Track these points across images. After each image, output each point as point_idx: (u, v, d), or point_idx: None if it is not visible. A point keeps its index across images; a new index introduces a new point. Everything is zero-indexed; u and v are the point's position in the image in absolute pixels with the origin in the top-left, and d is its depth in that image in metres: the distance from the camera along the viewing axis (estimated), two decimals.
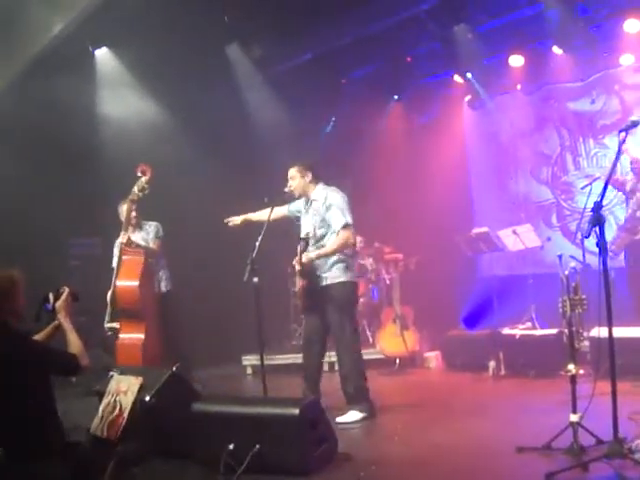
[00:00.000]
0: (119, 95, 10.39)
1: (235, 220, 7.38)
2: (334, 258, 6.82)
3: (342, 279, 6.83)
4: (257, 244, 6.46)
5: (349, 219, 6.77)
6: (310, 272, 6.83)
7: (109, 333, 7.89)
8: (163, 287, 8.54)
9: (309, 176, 7.01)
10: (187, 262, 9.63)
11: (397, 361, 9.74)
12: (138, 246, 8.14)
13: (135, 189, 7.98)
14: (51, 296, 4.73)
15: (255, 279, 6.36)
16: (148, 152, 9.70)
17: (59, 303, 4.69)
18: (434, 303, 10.68)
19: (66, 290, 4.75)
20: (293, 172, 7.05)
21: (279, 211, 7.15)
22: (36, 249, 9.40)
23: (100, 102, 10.44)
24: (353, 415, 6.70)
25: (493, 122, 12.19)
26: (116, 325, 7.86)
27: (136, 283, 7.79)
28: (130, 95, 10.42)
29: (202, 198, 10.49)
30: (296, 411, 5.06)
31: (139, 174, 8.00)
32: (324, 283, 6.85)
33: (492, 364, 8.42)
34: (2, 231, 9.20)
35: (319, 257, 6.77)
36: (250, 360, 10.46)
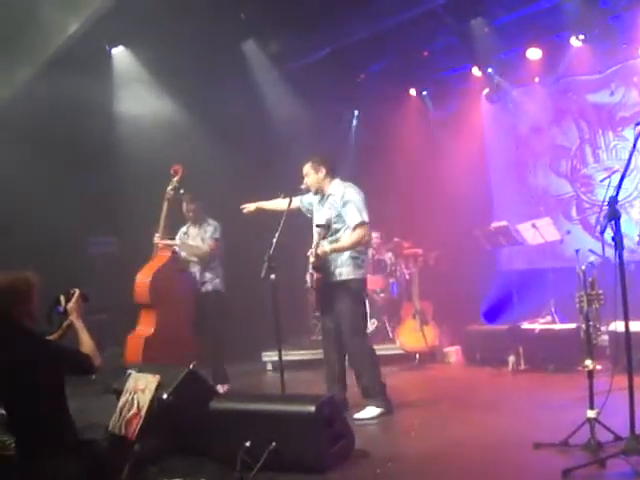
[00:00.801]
0: (136, 93, 10.42)
1: (249, 207, 7.52)
2: (347, 255, 6.82)
3: (353, 276, 6.84)
4: (274, 241, 6.48)
5: (365, 217, 6.77)
6: (323, 267, 6.83)
7: None
8: (209, 287, 8.59)
9: (323, 171, 7.01)
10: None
11: (417, 356, 9.73)
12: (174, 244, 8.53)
13: (168, 188, 8.35)
14: (62, 298, 4.76)
15: (272, 276, 6.39)
16: (165, 150, 9.78)
17: (71, 305, 4.73)
18: (454, 298, 10.63)
19: (77, 292, 4.79)
20: (307, 168, 7.08)
21: (293, 202, 7.14)
22: (54, 248, 9.43)
23: (117, 100, 10.50)
24: (370, 411, 6.69)
25: (511, 115, 12.09)
26: None
27: (148, 280, 8.02)
28: (147, 93, 10.45)
29: (219, 195, 10.48)
30: (312, 408, 5.06)
31: (172, 174, 8.42)
32: (336, 279, 6.85)
33: (512, 359, 8.39)
34: (20, 230, 9.26)
35: (333, 251, 6.76)
36: (270, 356, 10.47)
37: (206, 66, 10.28)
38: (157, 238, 8.32)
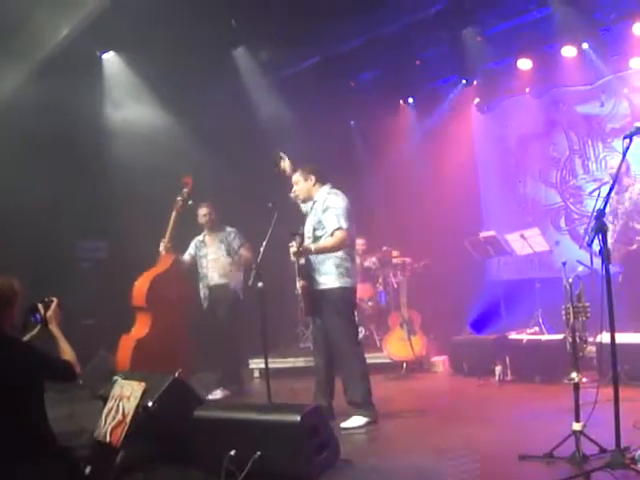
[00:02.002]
0: (126, 99, 10.42)
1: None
2: (329, 263, 6.81)
3: (337, 284, 6.81)
4: (262, 249, 6.48)
5: (343, 224, 6.75)
6: (307, 274, 6.83)
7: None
8: (232, 285, 8.78)
9: (312, 179, 7.03)
10: (192, 267, 9.61)
11: (404, 365, 9.71)
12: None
13: (178, 198, 8.62)
14: (40, 306, 4.75)
15: (260, 284, 6.39)
16: (155, 155, 9.76)
17: (50, 313, 4.74)
18: (442, 307, 10.64)
19: (55, 300, 4.78)
20: (296, 177, 7.10)
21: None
22: (41, 251, 9.42)
23: (107, 106, 10.49)
24: (357, 420, 6.67)
25: (502, 125, 12.16)
26: None
27: (146, 283, 8.19)
28: (137, 99, 10.46)
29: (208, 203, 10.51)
30: (297, 418, 5.03)
31: (184, 185, 8.72)
32: (320, 287, 6.84)
33: (498, 369, 8.36)
34: (9, 234, 9.21)
35: (318, 251, 6.75)
36: (257, 363, 10.47)
37: (197, 73, 10.27)
38: (162, 247, 8.39)
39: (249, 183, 10.82)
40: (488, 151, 12.49)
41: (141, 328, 8.23)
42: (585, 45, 10.16)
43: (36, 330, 4.77)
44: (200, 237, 8.84)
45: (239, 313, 8.80)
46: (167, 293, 8.28)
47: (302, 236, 6.77)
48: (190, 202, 8.60)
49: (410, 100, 12.57)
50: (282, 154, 7.39)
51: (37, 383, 4.35)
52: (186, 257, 8.85)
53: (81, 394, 8.00)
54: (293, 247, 6.61)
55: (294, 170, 7.20)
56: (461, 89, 11.85)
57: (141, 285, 8.25)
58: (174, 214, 8.49)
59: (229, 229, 8.83)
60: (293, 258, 6.73)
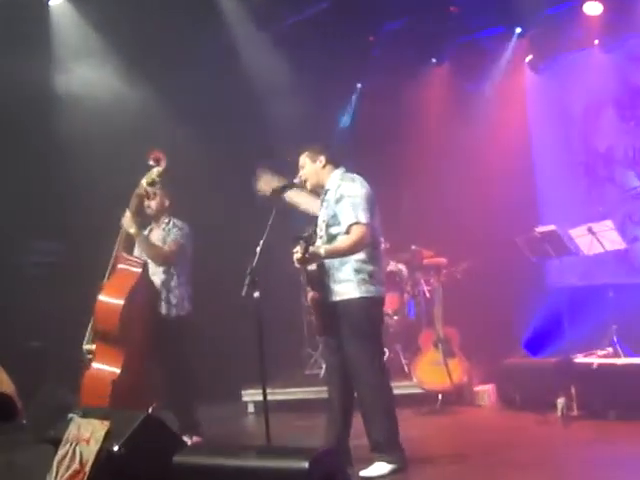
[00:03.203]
0: (81, 60, 10.41)
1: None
2: (348, 267, 6.77)
3: (357, 294, 6.76)
4: (258, 250, 6.45)
5: (361, 217, 6.68)
6: (320, 282, 6.81)
7: (88, 356, 7.92)
8: (173, 310, 8.55)
9: (322, 160, 7.01)
10: None
11: (439, 397, 9.71)
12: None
13: (144, 182, 8.19)
14: None
15: (256, 293, 6.34)
16: (121, 134, 9.77)
17: None
18: (487, 322, 10.65)
19: None
20: (303, 158, 7.08)
21: None
22: None
23: (56, 70, 10.47)
24: (380, 468, 6.65)
25: (563, 89, 12.13)
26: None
27: (121, 302, 7.79)
28: (95, 59, 10.44)
29: (188, 191, 10.49)
30: (305, 464, 5.01)
31: (151, 162, 8.22)
32: (336, 299, 6.81)
33: (561, 402, 8.34)
34: None
35: (329, 254, 6.69)
36: (252, 395, 10.52)
37: (172, 25, 10.27)
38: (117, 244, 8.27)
39: (239, 167, 10.82)
40: (545, 122, 12.48)
41: (111, 362, 7.97)
42: None
43: None
44: (146, 231, 8.68)
45: (192, 337, 8.68)
46: (141, 315, 8.11)
47: (308, 238, 6.67)
48: (158, 186, 8.31)
49: (444, 58, 12.54)
50: (260, 171, 7.26)
51: None
52: None
53: (24, 437, 8.02)
54: (297, 253, 6.51)
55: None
56: (510, 43, 11.82)
57: (113, 305, 7.84)
58: (135, 202, 8.22)
59: (177, 222, 8.64)
60: (298, 266, 6.71)
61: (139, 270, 8.08)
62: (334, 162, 7.06)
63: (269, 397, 6.54)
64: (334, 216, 6.80)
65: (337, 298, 6.80)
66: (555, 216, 11.25)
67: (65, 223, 10.43)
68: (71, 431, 5.65)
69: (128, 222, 8.09)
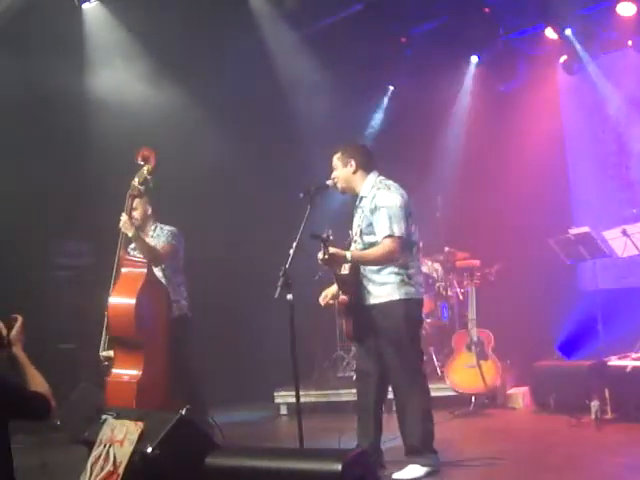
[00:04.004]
0: (115, 64, 10.45)
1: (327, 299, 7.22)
2: (387, 269, 6.76)
3: (397, 296, 6.73)
4: (291, 252, 6.43)
5: (396, 229, 6.65)
6: (353, 285, 6.78)
7: (105, 363, 7.92)
8: (176, 310, 8.55)
9: (352, 165, 6.96)
10: (204, 275, 9.64)
11: (472, 399, 9.68)
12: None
13: (135, 181, 8.04)
14: (2, 326, 4.71)
15: (289, 296, 6.32)
16: (153, 137, 9.78)
17: (14, 334, 4.69)
18: (521, 325, 10.60)
19: (19, 318, 4.75)
20: (335, 160, 7.05)
21: None
22: (8, 258, 9.49)
23: (90, 74, 10.52)
24: (414, 470, 6.65)
25: (597, 90, 12.05)
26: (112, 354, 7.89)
27: (132, 301, 7.69)
28: (128, 61, 10.48)
29: (223, 195, 10.53)
30: (338, 467, 5.00)
31: (140, 161, 8.08)
32: (373, 301, 6.80)
33: (595, 404, 8.30)
34: None
35: (356, 260, 6.67)
36: (284, 397, 10.52)
37: (203, 27, 10.30)
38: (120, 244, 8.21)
39: (274, 167, 10.85)
40: (579, 123, 12.42)
41: (132, 365, 7.86)
42: None
43: None
44: (132, 245, 8.61)
45: (188, 341, 8.53)
46: (155, 313, 8.05)
47: (326, 239, 6.61)
48: (151, 185, 8.10)
49: (478, 59, 12.51)
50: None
51: (2, 425, 4.34)
52: None
53: (57, 438, 8.05)
54: (320, 253, 6.50)
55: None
56: (543, 43, 11.76)
57: (125, 306, 7.74)
58: (130, 203, 8.08)
59: (165, 227, 8.56)
60: (323, 266, 6.68)
61: (144, 270, 7.96)
62: (366, 167, 7.02)
63: (301, 399, 6.54)
64: (369, 225, 6.79)
65: (375, 301, 6.80)
66: (589, 218, 11.21)
67: (96, 224, 10.46)
68: (105, 432, 5.65)
69: (125, 225, 8.02)
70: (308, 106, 11.35)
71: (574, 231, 9.89)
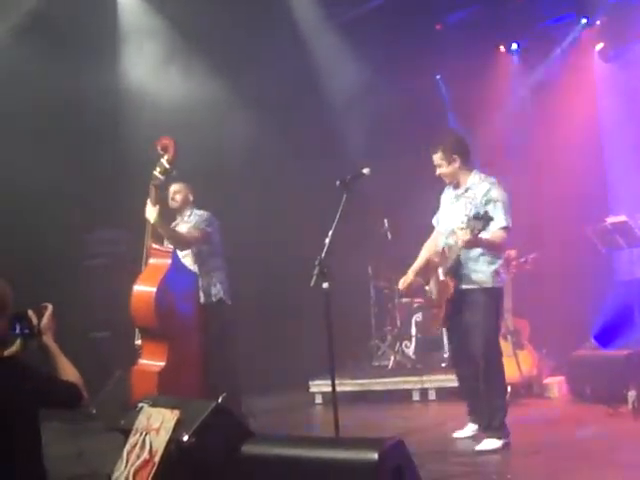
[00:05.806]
0: (149, 55, 10.46)
1: (406, 282, 7.71)
2: (484, 259, 7.14)
3: (491, 284, 7.14)
4: (327, 241, 6.44)
5: (510, 221, 7.14)
6: (455, 271, 7.12)
7: (140, 352, 7.98)
8: (213, 297, 8.54)
9: (457, 161, 7.29)
10: (239, 264, 9.63)
11: (508, 389, 9.61)
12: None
13: (156, 171, 8.12)
14: (31, 314, 4.69)
15: (325, 284, 6.33)
16: (185, 126, 9.79)
17: (44, 322, 4.67)
18: (557, 314, 10.55)
19: (49, 307, 4.73)
20: (438, 160, 7.35)
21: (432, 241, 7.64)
22: (43, 247, 9.54)
23: (125, 66, 10.54)
24: (492, 443, 7.06)
25: (633, 77, 11.94)
26: None
27: (153, 292, 7.75)
28: (163, 54, 10.49)
29: (258, 185, 10.52)
30: (374, 456, 4.96)
31: (160, 151, 8.14)
32: (469, 286, 7.14)
33: (632, 394, 8.22)
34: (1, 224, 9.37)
35: (484, 244, 6.96)
36: (319, 386, 10.50)
37: (241, 20, 10.30)
38: (147, 237, 8.24)
39: (310, 157, 10.82)
40: (616, 111, 12.30)
41: (156, 356, 7.79)
42: None
43: (16, 345, 4.72)
44: (172, 224, 8.65)
45: (224, 328, 8.47)
46: (180, 301, 8.02)
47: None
48: (173, 174, 8.20)
49: (513, 46, 12.46)
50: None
51: (34, 411, 4.34)
52: None
53: (93, 426, 8.06)
54: (465, 233, 6.73)
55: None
56: (580, 31, 11.69)
57: (145, 295, 7.80)
58: (153, 193, 8.13)
59: (197, 211, 8.57)
60: (461, 246, 6.91)
61: (168, 261, 8.02)
62: (467, 160, 7.37)
63: (338, 388, 6.53)
64: (477, 214, 6.88)
65: (471, 286, 7.16)
66: (625, 206, 11.09)
67: (131, 212, 10.48)
68: (141, 421, 5.64)
69: (150, 212, 8.08)
70: (343, 95, 11.33)
71: (611, 220, 9.84)
